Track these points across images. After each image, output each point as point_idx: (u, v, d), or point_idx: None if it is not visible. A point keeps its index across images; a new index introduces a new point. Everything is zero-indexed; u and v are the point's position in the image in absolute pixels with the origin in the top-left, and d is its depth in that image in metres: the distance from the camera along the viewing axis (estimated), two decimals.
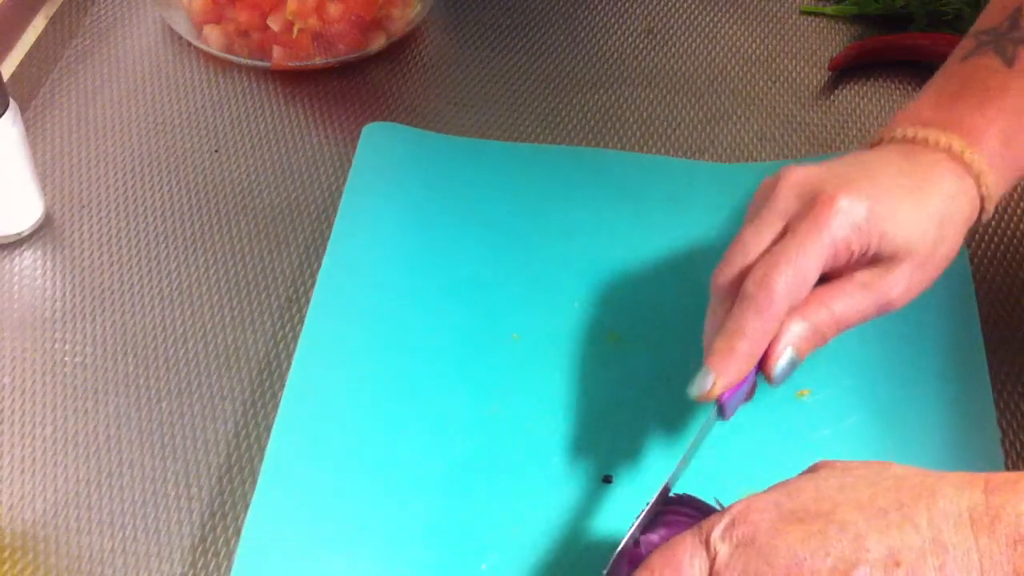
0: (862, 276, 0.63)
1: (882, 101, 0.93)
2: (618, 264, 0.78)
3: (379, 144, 0.86)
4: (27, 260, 0.81)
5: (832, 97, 0.94)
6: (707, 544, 0.53)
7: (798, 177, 0.63)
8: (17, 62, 0.92)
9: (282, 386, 0.73)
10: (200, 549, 0.66)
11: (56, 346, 0.75)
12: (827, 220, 0.61)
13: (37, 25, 0.95)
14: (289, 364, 0.74)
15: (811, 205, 0.62)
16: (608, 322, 0.75)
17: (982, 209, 0.65)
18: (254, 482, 0.68)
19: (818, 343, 0.63)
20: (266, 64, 0.93)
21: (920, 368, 0.72)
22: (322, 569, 0.64)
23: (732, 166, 0.86)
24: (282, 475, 0.67)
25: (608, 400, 0.71)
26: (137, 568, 0.65)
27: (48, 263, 0.80)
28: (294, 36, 0.93)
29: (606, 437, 0.69)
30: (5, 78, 0.80)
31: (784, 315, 0.61)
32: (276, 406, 0.72)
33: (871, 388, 0.71)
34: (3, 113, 0.76)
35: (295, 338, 0.76)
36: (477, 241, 0.79)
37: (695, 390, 0.61)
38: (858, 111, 0.92)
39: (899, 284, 0.63)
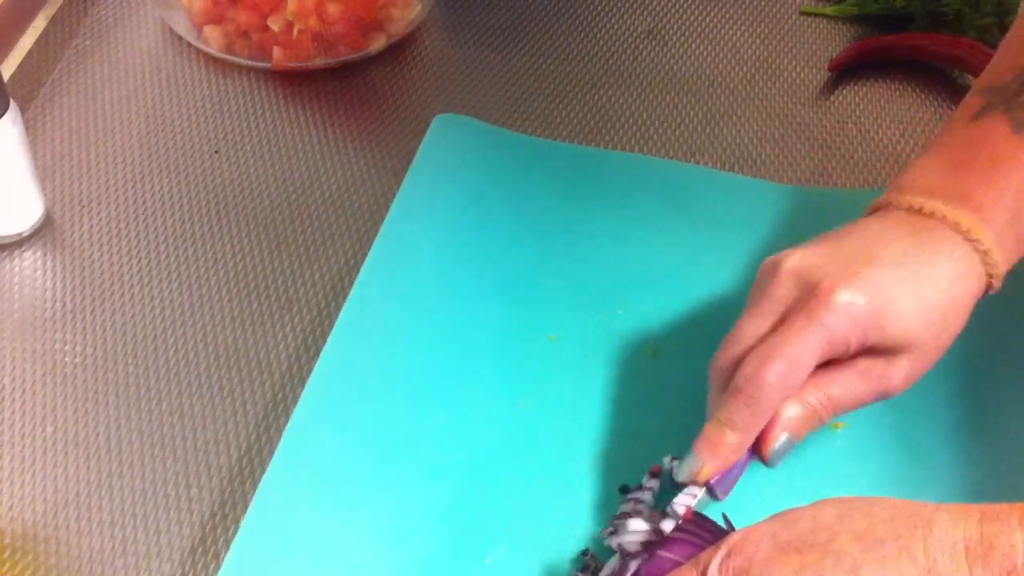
0: (861, 364, 0.62)
1: (882, 101, 0.93)
2: (668, 278, 0.77)
3: (446, 135, 0.86)
4: (27, 260, 0.81)
5: (832, 97, 0.94)
6: None
7: (796, 264, 0.62)
8: (17, 62, 0.92)
9: (282, 386, 0.73)
10: (200, 550, 0.66)
11: (56, 346, 0.75)
12: (823, 315, 0.59)
13: (37, 25, 0.95)
14: (289, 364, 0.74)
15: (808, 297, 0.60)
16: (649, 335, 0.74)
17: (989, 286, 0.64)
18: (254, 482, 0.68)
19: (814, 426, 0.62)
20: (266, 65, 0.93)
21: (964, 414, 0.70)
22: (329, 540, 0.64)
23: (800, 188, 0.85)
24: (301, 447, 0.68)
25: (636, 412, 0.70)
26: (137, 568, 0.65)
27: (48, 263, 0.80)
28: (294, 37, 0.93)
29: (629, 449, 0.69)
30: (5, 78, 0.80)
31: (775, 407, 0.61)
32: (276, 405, 0.72)
33: (909, 428, 0.69)
34: (3, 113, 0.76)
35: (295, 337, 0.76)
36: (529, 239, 0.79)
37: (683, 474, 0.62)
38: (858, 111, 0.92)
39: (899, 374, 0.62)
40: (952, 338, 0.63)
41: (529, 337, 0.74)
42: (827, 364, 0.62)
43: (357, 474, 0.67)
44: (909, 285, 0.61)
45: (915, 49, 0.95)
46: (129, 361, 0.75)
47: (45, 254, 0.81)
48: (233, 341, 0.76)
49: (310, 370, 0.74)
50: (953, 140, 0.67)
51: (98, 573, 0.65)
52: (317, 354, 0.75)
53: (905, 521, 0.51)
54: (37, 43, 0.94)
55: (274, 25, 0.93)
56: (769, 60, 0.97)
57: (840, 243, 0.63)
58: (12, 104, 0.77)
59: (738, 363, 0.61)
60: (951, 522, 0.51)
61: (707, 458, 0.61)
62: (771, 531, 0.53)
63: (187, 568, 0.65)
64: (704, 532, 0.59)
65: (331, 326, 0.76)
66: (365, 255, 0.81)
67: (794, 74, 0.96)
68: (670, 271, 0.78)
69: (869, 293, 0.60)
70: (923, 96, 0.94)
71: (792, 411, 0.61)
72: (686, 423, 0.65)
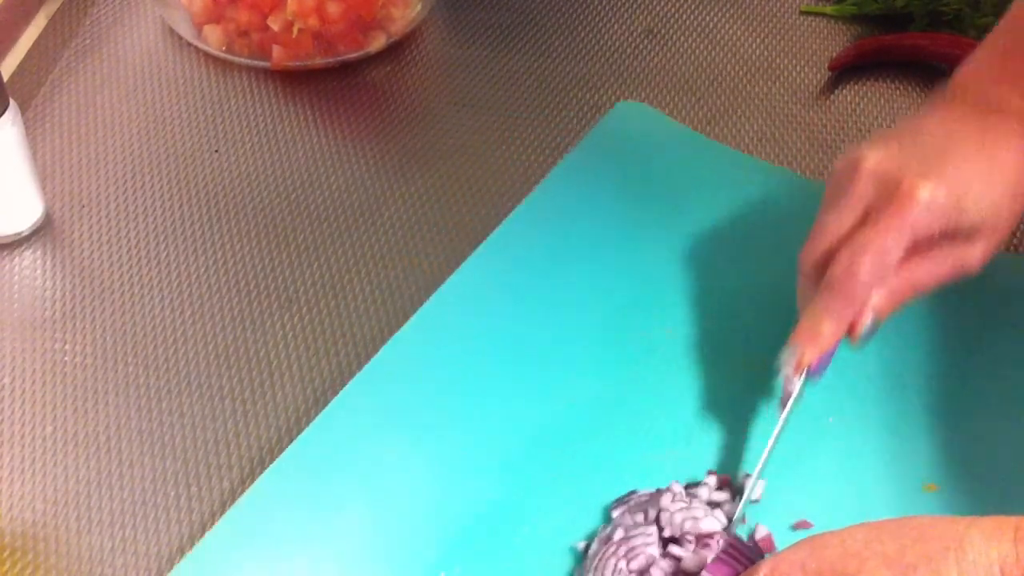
0: (942, 248, 0.66)
1: (882, 101, 0.93)
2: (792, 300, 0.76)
3: (621, 121, 0.87)
4: (27, 260, 0.80)
5: (832, 97, 0.94)
6: None
7: (875, 164, 0.65)
8: (17, 62, 0.92)
9: (282, 385, 0.73)
10: None
11: (56, 346, 0.75)
12: (908, 210, 0.64)
13: (37, 25, 0.95)
14: (289, 364, 0.74)
15: (892, 195, 0.64)
16: (767, 348, 0.72)
17: None
18: (255, 480, 0.68)
19: (897, 307, 0.66)
20: (266, 64, 0.93)
21: None
22: (389, 477, 0.66)
23: None
24: (366, 393, 0.70)
25: (732, 420, 0.70)
26: (137, 568, 0.65)
27: (48, 263, 0.80)
28: (294, 36, 0.93)
29: (709, 454, 0.69)
30: (5, 78, 0.80)
31: (867, 296, 0.65)
32: (276, 404, 0.72)
33: (1006, 497, 0.68)
34: (3, 113, 0.76)
35: (295, 336, 0.76)
36: (672, 236, 0.80)
37: (785, 363, 0.66)
38: (858, 111, 0.92)
39: (976, 252, 0.67)
40: (1018, 216, 0.68)
41: (644, 325, 0.75)
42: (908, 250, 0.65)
43: (430, 418, 0.69)
44: (981, 175, 0.66)
45: (915, 49, 0.95)
46: (129, 361, 0.75)
47: (45, 254, 0.81)
48: (233, 340, 0.76)
49: (310, 368, 0.74)
50: (1012, 29, 0.71)
51: (98, 573, 0.65)
52: (317, 353, 0.75)
53: (937, 542, 0.50)
54: (37, 43, 0.94)
55: (274, 24, 0.93)
56: (769, 60, 0.97)
57: (913, 141, 0.67)
58: (12, 104, 0.77)
59: (825, 258, 0.66)
60: (984, 542, 0.50)
61: (807, 346, 0.65)
62: (800, 560, 0.52)
63: None
64: (738, 554, 0.59)
65: (331, 325, 0.76)
66: (365, 255, 0.81)
67: (794, 74, 0.96)
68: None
69: (948, 185, 0.64)
70: (923, 96, 0.94)
71: (877, 296, 0.65)
72: (776, 444, 0.65)
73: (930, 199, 0.64)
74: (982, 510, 0.65)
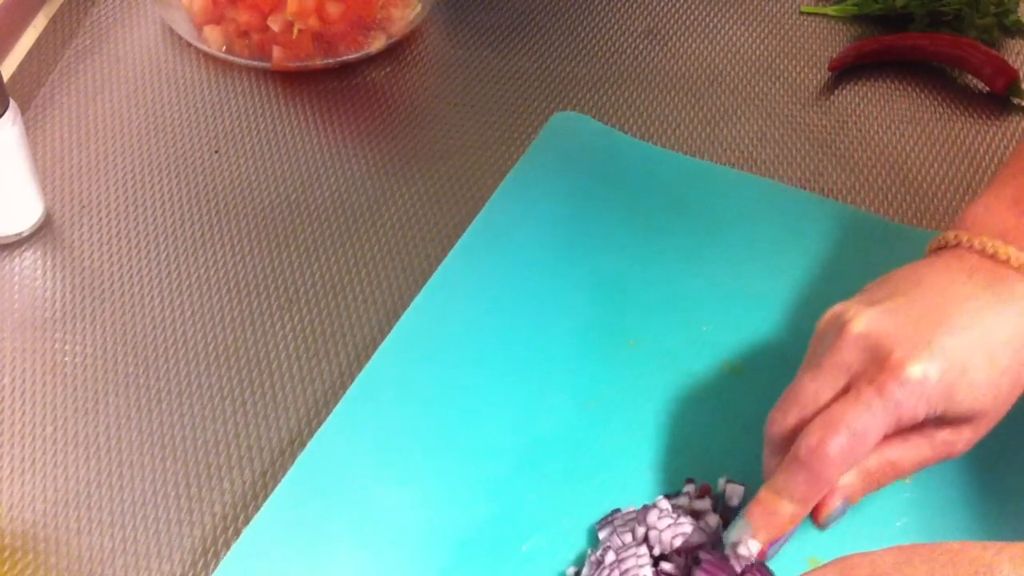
0: (925, 431, 0.60)
1: (882, 101, 0.93)
2: (761, 301, 0.76)
3: (562, 132, 0.87)
4: (27, 260, 0.81)
5: (832, 97, 0.94)
6: None
7: (865, 329, 0.59)
8: (17, 62, 0.92)
9: (282, 386, 0.73)
10: (200, 549, 0.66)
11: (56, 346, 0.75)
12: (894, 390, 0.57)
13: (37, 25, 0.95)
14: (289, 364, 0.74)
15: (878, 368, 0.58)
16: (730, 353, 0.73)
17: None
18: (255, 480, 0.68)
19: (872, 491, 0.61)
20: (266, 64, 0.93)
21: None
22: (371, 504, 0.66)
23: (912, 229, 0.82)
24: (360, 410, 0.69)
25: (703, 428, 0.70)
26: (137, 568, 0.65)
27: (48, 263, 0.80)
28: (294, 37, 0.93)
29: (687, 462, 0.68)
30: (5, 78, 0.80)
31: (837, 479, 0.58)
32: (276, 405, 0.72)
33: (981, 483, 0.67)
34: (3, 113, 0.76)
35: (295, 337, 0.76)
36: (628, 244, 0.79)
37: (733, 539, 0.59)
38: (858, 111, 0.93)
39: (963, 439, 0.60)
40: (1017, 397, 0.61)
41: (609, 338, 0.74)
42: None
43: (411, 443, 0.68)
44: (982, 352, 0.58)
45: (915, 49, 0.96)
46: (129, 361, 0.75)
47: (45, 254, 0.81)
48: (233, 341, 0.76)
49: (311, 368, 0.74)
50: (1021, 174, 0.64)
51: (98, 573, 0.65)
52: (317, 354, 0.75)
53: (967, 567, 0.50)
54: (37, 43, 0.94)
55: (274, 25, 0.93)
56: (769, 60, 0.97)
57: (909, 300, 0.60)
58: (12, 104, 0.77)
59: (798, 427, 0.59)
60: (1013, 568, 0.49)
61: (760, 527, 0.59)
62: None
63: (187, 568, 0.65)
64: (720, 563, 0.59)
65: (331, 325, 0.76)
66: (365, 255, 0.81)
67: (794, 74, 0.96)
68: (764, 294, 0.76)
69: (942, 365, 0.57)
70: (923, 96, 0.94)
71: (850, 478, 0.59)
72: (752, 447, 0.64)
73: (920, 380, 0.57)
74: (954, 501, 0.67)
